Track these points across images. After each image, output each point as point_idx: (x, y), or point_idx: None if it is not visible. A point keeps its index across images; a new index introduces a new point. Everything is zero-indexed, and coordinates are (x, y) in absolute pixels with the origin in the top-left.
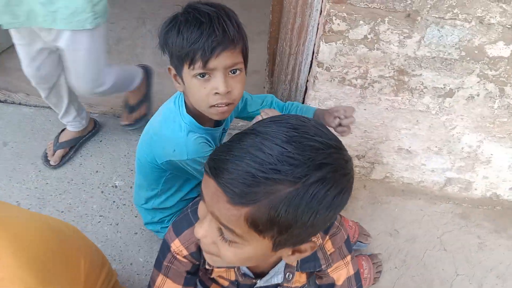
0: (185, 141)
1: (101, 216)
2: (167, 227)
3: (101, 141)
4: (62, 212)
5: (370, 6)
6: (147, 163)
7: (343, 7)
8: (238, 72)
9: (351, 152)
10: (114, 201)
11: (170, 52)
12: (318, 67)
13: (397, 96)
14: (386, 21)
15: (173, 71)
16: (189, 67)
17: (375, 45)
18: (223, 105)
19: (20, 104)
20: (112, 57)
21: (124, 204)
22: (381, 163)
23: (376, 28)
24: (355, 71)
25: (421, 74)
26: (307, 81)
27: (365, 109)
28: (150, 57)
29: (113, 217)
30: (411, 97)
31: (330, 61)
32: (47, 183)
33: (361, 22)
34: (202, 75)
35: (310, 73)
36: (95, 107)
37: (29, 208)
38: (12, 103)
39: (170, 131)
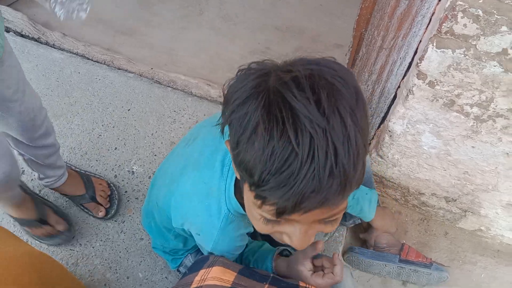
0: (218, 235)
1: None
2: (180, 258)
3: (129, 109)
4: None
5: None
6: (162, 210)
7: (481, 0)
8: (333, 220)
9: (439, 192)
10: (126, 191)
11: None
12: (418, 78)
13: None
14: None
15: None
16: (255, 198)
17: None
18: None
19: (53, 46)
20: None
21: (137, 198)
22: (477, 213)
23: None
24: (473, 96)
25: None
26: (398, 87)
27: (473, 147)
28: None
29: (121, 212)
30: None
31: (437, 75)
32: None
33: (504, 27)
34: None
35: (405, 81)
36: (133, 64)
37: (32, 187)
38: (45, 43)
39: (203, 210)
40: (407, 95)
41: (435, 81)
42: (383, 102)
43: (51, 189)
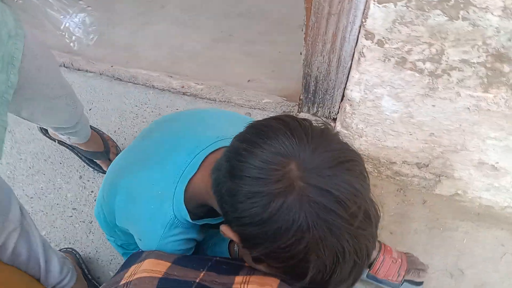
0: (160, 243)
1: (74, 209)
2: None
3: (90, 109)
4: (31, 198)
5: None
6: (108, 205)
7: None
8: None
9: (409, 159)
10: (92, 191)
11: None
12: (367, 39)
13: (487, 93)
14: None
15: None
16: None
17: (461, 13)
18: None
19: None
20: None
21: None
22: (451, 177)
23: None
24: (423, 51)
25: None
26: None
27: (433, 105)
28: None
29: (88, 213)
30: (510, 96)
31: (384, 32)
32: (21, 159)
33: None
34: None
35: (356, 46)
36: (93, 63)
37: None
38: None
39: (147, 215)
40: (359, 58)
41: (383, 40)
42: (342, 72)
43: (77, 146)
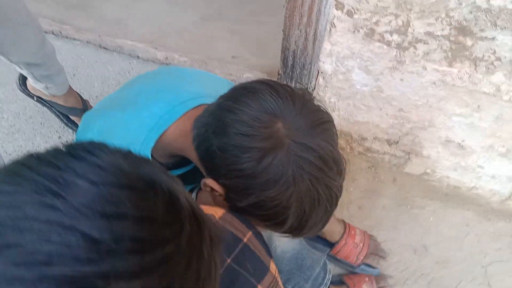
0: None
1: None
2: None
3: (74, 75)
4: (9, 154)
5: None
6: None
7: None
8: None
9: (380, 135)
10: None
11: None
12: (337, 9)
13: (451, 67)
14: None
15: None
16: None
17: None
18: None
19: None
20: None
21: None
22: (420, 154)
23: None
24: (390, 22)
25: (494, 38)
26: None
27: (401, 80)
28: None
29: None
30: (473, 71)
31: (353, 2)
32: (2, 117)
33: None
34: None
35: (328, 17)
36: (81, 33)
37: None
38: None
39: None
40: (330, 29)
41: (353, 10)
42: (318, 46)
43: (56, 99)
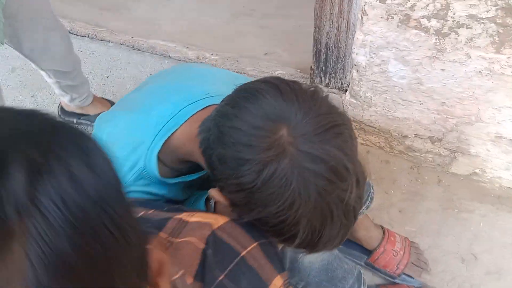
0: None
1: None
2: None
3: (107, 77)
4: None
5: None
6: None
7: None
8: None
9: (421, 131)
10: None
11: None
12: None
13: (499, 53)
14: None
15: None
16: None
17: None
18: None
19: None
20: None
21: None
22: (467, 153)
23: None
24: (427, 6)
25: None
26: None
27: (443, 70)
28: None
29: None
30: None
31: None
32: None
33: None
34: None
35: (358, 3)
36: (115, 35)
37: None
38: None
39: (120, 159)
40: (361, 17)
41: None
42: (351, 37)
43: (83, 110)
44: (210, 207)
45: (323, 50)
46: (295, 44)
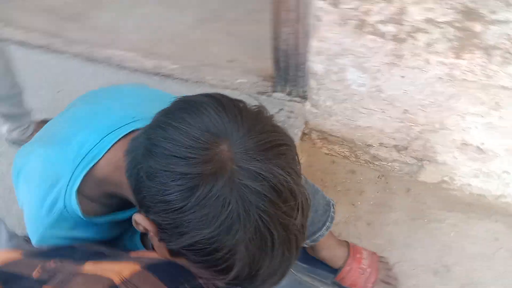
0: (42, 233)
1: None
2: None
3: (58, 91)
4: None
5: None
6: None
7: None
8: None
9: (386, 140)
10: None
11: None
12: None
13: (459, 59)
14: None
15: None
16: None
17: None
18: None
19: None
20: None
21: None
22: (434, 161)
23: None
24: (382, 10)
25: (508, 20)
26: None
27: (402, 77)
28: None
29: None
30: (486, 62)
31: None
32: None
33: None
34: None
35: (312, 9)
36: (70, 45)
37: None
38: None
39: (36, 198)
40: (315, 23)
41: None
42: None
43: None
44: (149, 245)
45: (282, 58)
46: (263, 51)
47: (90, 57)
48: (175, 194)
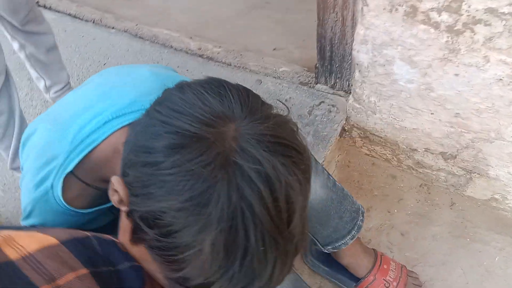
0: (31, 204)
1: None
2: None
3: (105, 64)
4: None
5: None
6: None
7: None
8: None
9: (433, 146)
10: None
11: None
12: None
13: None
14: None
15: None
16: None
17: None
18: None
19: (50, 8)
20: None
21: None
22: (486, 175)
23: None
24: None
25: None
26: None
27: (456, 75)
28: None
29: None
30: None
31: None
32: (31, 105)
33: None
34: None
35: None
36: (120, 21)
37: None
38: (43, 6)
39: (33, 170)
40: (362, 8)
41: None
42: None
43: None
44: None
45: (328, 47)
46: (310, 40)
47: (137, 33)
48: (161, 146)
